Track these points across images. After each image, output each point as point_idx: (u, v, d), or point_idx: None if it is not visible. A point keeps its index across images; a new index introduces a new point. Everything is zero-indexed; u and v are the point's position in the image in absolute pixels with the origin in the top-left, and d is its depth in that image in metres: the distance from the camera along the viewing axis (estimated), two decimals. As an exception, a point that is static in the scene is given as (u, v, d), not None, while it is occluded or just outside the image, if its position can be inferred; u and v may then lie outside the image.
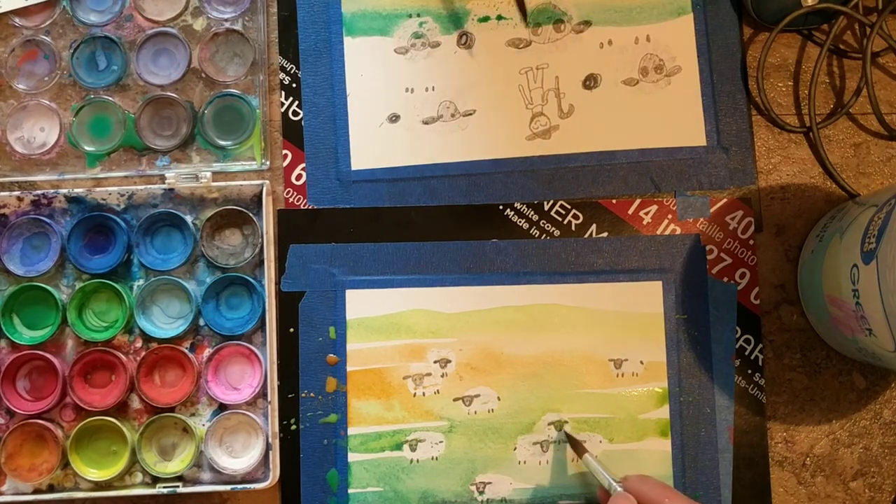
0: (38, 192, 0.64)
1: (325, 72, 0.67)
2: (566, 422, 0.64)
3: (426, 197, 0.66)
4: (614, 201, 0.66)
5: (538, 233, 0.65)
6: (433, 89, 0.67)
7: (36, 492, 0.62)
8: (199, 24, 0.66)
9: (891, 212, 0.52)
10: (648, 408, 0.64)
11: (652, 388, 0.64)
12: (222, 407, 0.63)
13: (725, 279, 0.65)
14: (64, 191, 0.64)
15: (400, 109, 0.66)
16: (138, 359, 0.63)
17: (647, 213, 0.66)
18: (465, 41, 0.67)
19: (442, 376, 0.64)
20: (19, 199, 0.64)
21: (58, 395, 0.62)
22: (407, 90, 0.67)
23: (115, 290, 0.63)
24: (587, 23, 0.67)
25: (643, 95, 0.66)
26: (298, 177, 0.66)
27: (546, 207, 0.66)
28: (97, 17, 0.66)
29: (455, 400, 0.64)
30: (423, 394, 0.64)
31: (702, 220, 0.66)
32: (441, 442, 0.64)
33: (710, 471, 0.63)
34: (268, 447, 0.62)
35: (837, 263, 0.58)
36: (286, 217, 0.65)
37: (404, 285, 0.65)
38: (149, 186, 0.64)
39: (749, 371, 0.64)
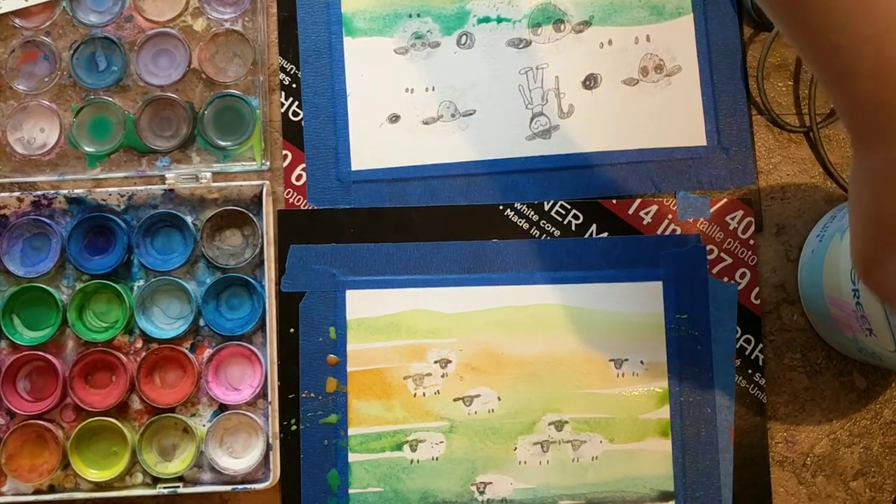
0: (39, 192, 0.64)
1: (325, 72, 0.67)
2: (566, 422, 0.64)
3: (426, 197, 0.66)
4: (614, 201, 0.66)
5: (538, 233, 0.65)
6: (433, 89, 0.67)
7: (36, 492, 0.62)
8: (199, 25, 0.66)
9: (891, 212, 0.52)
10: (649, 408, 0.64)
11: (652, 388, 0.64)
12: (223, 407, 0.63)
13: (725, 279, 0.65)
14: (64, 192, 0.64)
15: (400, 110, 0.66)
16: (139, 359, 0.63)
17: (647, 213, 0.66)
18: (465, 41, 0.67)
19: (442, 376, 0.64)
20: (19, 199, 0.64)
21: (58, 395, 0.62)
22: (407, 90, 0.67)
23: (116, 291, 0.63)
24: (587, 23, 0.67)
25: (643, 95, 0.66)
26: (298, 177, 0.66)
27: (546, 207, 0.65)
28: (97, 17, 0.66)
29: (455, 400, 0.64)
30: (424, 394, 0.64)
31: (702, 220, 0.65)
32: (441, 442, 0.64)
33: (711, 471, 0.63)
34: (268, 447, 0.62)
35: (838, 263, 0.58)
36: (286, 217, 0.65)
37: (404, 285, 0.65)
38: (149, 187, 0.64)
39: (749, 371, 0.64)
